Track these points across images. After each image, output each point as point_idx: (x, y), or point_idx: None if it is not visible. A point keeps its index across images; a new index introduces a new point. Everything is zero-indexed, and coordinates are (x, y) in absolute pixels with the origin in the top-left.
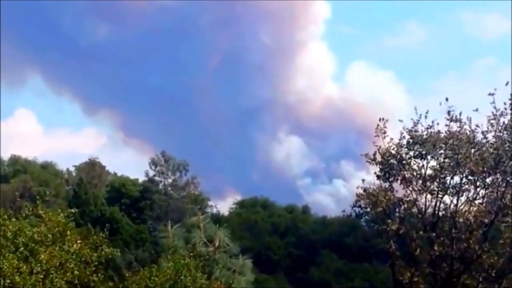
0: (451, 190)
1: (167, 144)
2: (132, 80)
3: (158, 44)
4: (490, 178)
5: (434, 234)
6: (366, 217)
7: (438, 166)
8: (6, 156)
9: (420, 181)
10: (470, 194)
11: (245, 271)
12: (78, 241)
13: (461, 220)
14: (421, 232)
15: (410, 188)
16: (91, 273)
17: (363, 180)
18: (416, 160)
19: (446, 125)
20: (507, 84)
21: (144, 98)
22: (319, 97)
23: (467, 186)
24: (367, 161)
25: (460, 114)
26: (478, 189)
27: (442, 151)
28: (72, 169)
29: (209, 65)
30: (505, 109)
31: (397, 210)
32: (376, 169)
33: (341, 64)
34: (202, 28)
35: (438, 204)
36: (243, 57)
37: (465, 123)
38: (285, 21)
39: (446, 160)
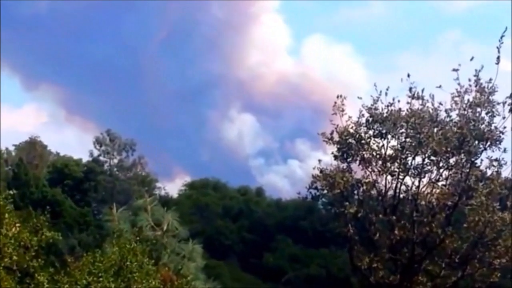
0: (413, 171)
1: (113, 122)
2: (75, 53)
3: (102, 15)
4: (454, 159)
5: (394, 217)
6: (323, 199)
7: (399, 146)
8: None
9: (380, 162)
10: (433, 175)
11: (194, 257)
12: (17, 225)
13: (423, 202)
14: (380, 216)
15: (370, 169)
16: (31, 259)
17: (319, 161)
18: (376, 139)
19: (408, 103)
20: (472, 59)
21: (87, 73)
22: (273, 72)
23: (429, 167)
24: (324, 141)
25: (423, 91)
26: (441, 170)
27: (403, 130)
28: (11, 148)
29: (156, 38)
30: (470, 85)
31: (355, 192)
32: (333, 149)
33: (296, 38)
34: None
35: (399, 186)
36: (192, 30)
37: (427, 100)
38: None
39: (408, 140)
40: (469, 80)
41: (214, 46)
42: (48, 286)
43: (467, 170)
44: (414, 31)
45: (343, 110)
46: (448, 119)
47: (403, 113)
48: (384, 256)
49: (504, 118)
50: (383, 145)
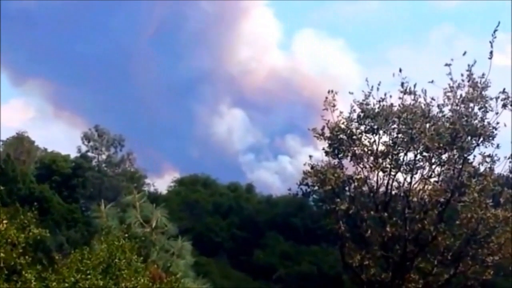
0: (405, 167)
1: (101, 117)
2: (63, 48)
3: (91, 10)
4: (446, 155)
5: (386, 214)
6: (314, 196)
7: (390, 141)
8: None
9: (372, 158)
10: (425, 172)
11: (184, 254)
12: (4, 221)
13: (415, 199)
14: (372, 212)
15: (361, 165)
16: (18, 256)
17: (310, 157)
18: (368, 135)
19: (400, 98)
20: (464, 54)
21: (76, 68)
22: (264, 67)
23: (421, 163)
24: (314, 136)
25: (415, 86)
26: (434, 166)
27: (395, 126)
28: None
29: (146, 33)
30: (463, 81)
31: (346, 188)
32: (324, 144)
33: (287, 32)
34: None
35: (390, 182)
36: (181, 25)
37: (419, 95)
38: None
39: (400, 135)
40: (462, 75)
41: (204, 41)
42: (35, 284)
43: (460, 166)
44: (406, 26)
45: (334, 106)
46: (440, 115)
47: (395, 109)
48: (375, 254)
49: (497, 113)
50: (374, 141)
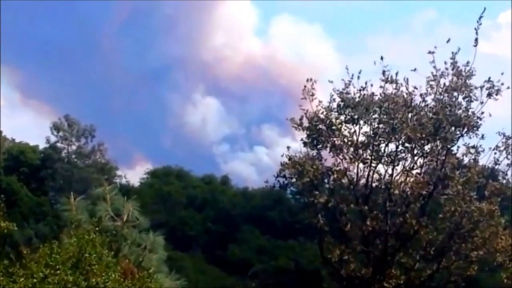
0: (386, 159)
1: (70, 106)
2: (30, 34)
3: None
4: (429, 146)
5: (366, 207)
6: (292, 188)
7: (371, 132)
8: None
9: (352, 149)
10: (407, 163)
11: (156, 248)
12: None
13: (396, 192)
14: (352, 205)
15: (341, 157)
16: None
17: (288, 148)
18: (348, 125)
19: (381, 87)
20: (448, 41)
21: (43, 55)
22: (239, 54)
23: (403, 154)
24: (293, 126)
25: (397, 74)
26: (416, 158)
27: (376, 116)
28: None
29: (116, 19)
30: (446, 69)
31: (325, 180)
32: (302, 135)
33: (264, 18)
34: None
35: (371, 174)
36: (153, 9)
37: (401, 84)
38: None
39: (381, 126)
40: (445, 63)
41: (177, 27)
42: (2, 279)
43: (443, 158)
44: (387, 11)
45: (313, 95)
46: (423, 104)
47: (376, 98)
48: (355, 248)
49: (482, 103)
50: (355, 131)
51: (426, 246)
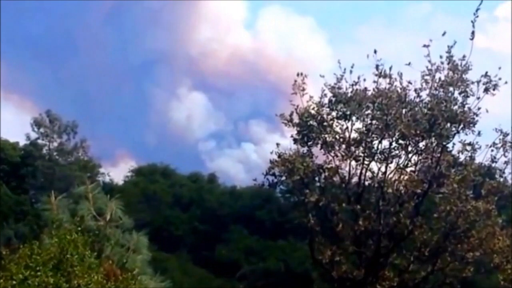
0: (379, 156)
1: (52, 102)
2: (10, 27)
3: None
4: (424, 143)
5: (359, 206)
6: (281, 187)
7: (364, 128)
8: None
9: (344, 146)
10: (401, 161)
11: (140, 248)
12: None
13: (390, 190)
14: (344, 205)
15: (332, 154)
16: None
17: (277, 144)
18: (339, 121)
19: (374, 82)
20: (444, 34)
21: (24, 48)
22: (227, 48)
23: (397, 152)
24: (282, 123)
25: (390, 68)
26: (410, 155)
27: (369, 111)
28: None
29: (98, 10)
30: (442, 63)
31: (316, 179)
32: (293, 131)
33: (252, 10)
34: None
35: (364, 172)
36: (137, 2)
37: (395, 79)
38: None
39: (374, 122)
40: (441, 57)
41: (161, 20)
42: None
43: (438, 155)
44: (381, 3)
45: (303, 90)
46: (417, 100)
47: (369, 93)
48: (347, 249)
49: (478, 98)
50: (347, 128)
51: (420, 247)
